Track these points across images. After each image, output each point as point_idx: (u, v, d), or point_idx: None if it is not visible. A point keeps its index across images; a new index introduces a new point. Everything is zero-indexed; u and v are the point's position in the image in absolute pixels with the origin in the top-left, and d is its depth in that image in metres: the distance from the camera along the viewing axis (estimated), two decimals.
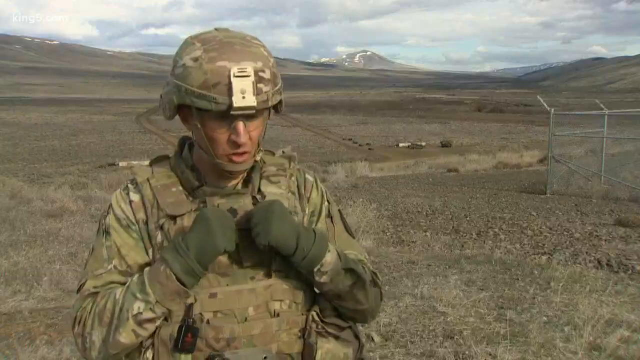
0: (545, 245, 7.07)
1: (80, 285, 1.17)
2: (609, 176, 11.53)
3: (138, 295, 1.08)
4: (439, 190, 12.51)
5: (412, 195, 11.72)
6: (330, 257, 1.15)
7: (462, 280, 5.07)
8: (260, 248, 1.10)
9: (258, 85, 1.05)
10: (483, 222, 8.63)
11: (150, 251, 1.17)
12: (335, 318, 1.21)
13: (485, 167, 18.65)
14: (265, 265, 1.17)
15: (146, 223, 1.17)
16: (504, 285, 4.91)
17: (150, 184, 1.19)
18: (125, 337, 1.08)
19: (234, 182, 1.21)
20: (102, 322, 1.10)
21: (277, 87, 1.10)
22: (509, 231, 7.96)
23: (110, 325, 1.09)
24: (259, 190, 1.21)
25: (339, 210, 1.34)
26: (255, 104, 1.05)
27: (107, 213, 1.20)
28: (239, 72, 1.03)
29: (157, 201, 1.16)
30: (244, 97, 1.04)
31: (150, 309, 1.08)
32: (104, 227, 1.19)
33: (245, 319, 1.14)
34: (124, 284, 1.14)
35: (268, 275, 1.17)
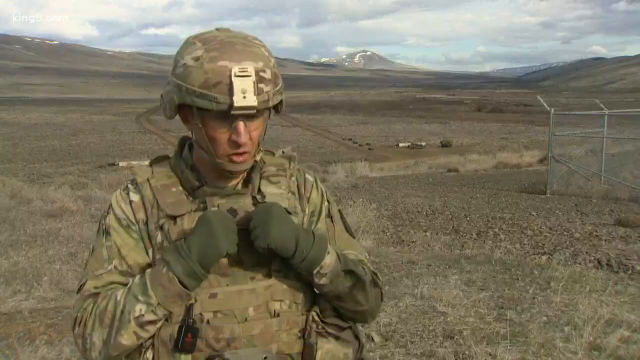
0: (545, 245, 7.07)
1: (81, 286, 1.17)
2: (609, 176, 11.53)
3: (140, 297, 1.08)
4: (439, 190, 12.51)
5: (412, 195, 11.72)
6: (329, 259, 1.15)
7: (462, 280, 5.07)
8: (260, 251, 1.10)
9: (259, 85, 1.05)
10: (483, 222, 8.63)
11: (150, 251, 1.17)
12: (335, 318, 1.21)
13: (485, 167, 18.65)
14: (266, 266, 1.17)
15: (146, 223, 1.17)
16: (504, 285, 4.91)
17: (150, 184, 1.18)
18: (127, 338, 1.08)
19: (234, 182, 1.20)
20: (103, 324, 1.10)
21: (277, 87, 1.10)
22: (509, 231, 7.96)
23: (111, 326, 1.09)
24: (259, 190, 1.21)
25: (339, 210, 1.34)
26: (256, 103, 1.05)
27: (107, 213, 1.20)
28: (240, 71, 1.03)
29: (157, 201, 1.16)
30: (244, 97, 1.04)
31: (152, 311, 1.08)
32: (104, 227, 1.19)
33: (246, 319, 1.14)
34: (124, 284, 1.14)
35: (268, 276, 1.17)
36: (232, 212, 1.15)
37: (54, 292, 4.91)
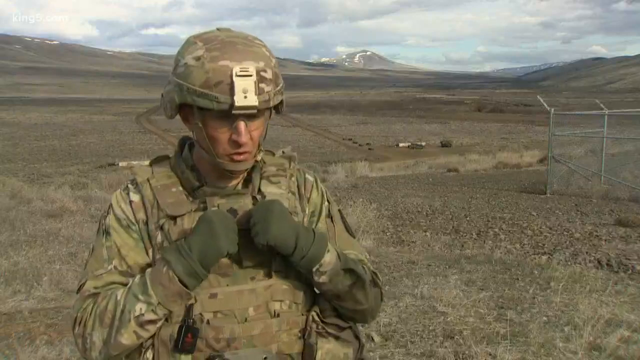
0: (545, 245, 7.07)
1: (81, 286, 1.17)
2: (609, 176, 11.53)
3: (140, 296, 1.08)
4: (439, 190, 12.51)
5: (412, 195, 11.72)
6: (329, 257, 1.15)
7: (462, 280, 5.07)
8: (259, 247, 1.10)
9: (260, 85, 1.05)
10: (483, 222, 8.63)
11: (150, 251, 1.17)
12: (335, 318, 1.21)
13: (485, 167, 18.65)
14: (266, 266, 1.17)
15: (146, 223, 1.17)
16: (504, 285, 4.91)
17: (150, 184, 1.18)
18: (127, 338, 1.08)
19: (234, 182, 1.20)
20: (103, 323, 1.10)
21: (278, 87, 1.10)
22: (509, 231, 7.96)
23: (111, 326, 1.09)
24: (259, 190, 1.21)
25: (339, 210, 1.34)
26: (257, 103, 1.05)
27: (107, 213, 1.20)
28: (241, 71, 1.03)
29: (157, 201, 1.16)
30: (245, 97, 1.04)
31: (152, 310, 1.08)
32: (104, 227, 1.19)
33: (246, 319, 1.14)
34: (124, 284, 1.14)
35: (268, 276, 1.17)
36: (232, 212, 1.15)
37: (54, 292, 4.91)
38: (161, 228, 1.15)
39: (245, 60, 1.05)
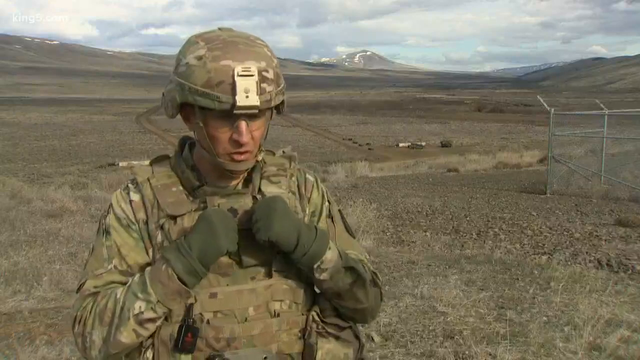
0: (545, 245, 7.07)
1: (80, 285, 1.17)
2: (609, 176, 11.53)
3: (139, 294, 1.08)
4: (439, 190, 12.51)
5: (412, 195, 11.72)
6: (330, 255, 1.15)
7: (462, 280, 5.07)
8: (261, 243, 1.10)
9: (261, 85, 1.05)
10: (483, 222, 8.63)
11: (150, 251, 1.17)
12: (335, 318, 1.21)
13: (485, 167, 18.65)
14: (266, 265, 1.17)
15: (146, 223, 1.17)
16: (504, 285, 4.91)
17: (150, 184, 1.18)
18: (126, 336, 1.08)
19: (234, 182, 1.20)
20: (102, 322, 1.10)
21: (280, 88, 1.10)
22: (509, 231, 7.96)
23: (111, 324, 1.09)
24: (260, 190, 1.21)
25: (339, 210, 1.34)
26: (258, 103, 1.05)
27: (108, 213, 1.20)
28: (243, 71, 1.03)
29: (158, 201, 1.16)
30: (247, 97, 1.04)
31: (152, 308, 1.08)
32: (104, 226, 1.19)
33: (246, 319, 1.14)
34: (124, 283, 1.14)
35: (268, 275, 1.17)
36: (233, 211, 1.15)
37: (54, 292, 4.91)
38: (161, 228, 1.15)
39: (247, 60, 1.05)
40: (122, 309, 1.08)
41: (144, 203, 1.18)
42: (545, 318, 4.01)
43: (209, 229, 1.07)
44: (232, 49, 1.05)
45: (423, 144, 42.25)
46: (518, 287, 4.87)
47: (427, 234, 8.04)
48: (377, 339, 3.67)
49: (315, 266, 1.14)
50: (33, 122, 58.24)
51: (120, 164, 29.03)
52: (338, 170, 18.02)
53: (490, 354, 3.36)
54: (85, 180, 17.33)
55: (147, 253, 1.17)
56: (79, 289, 1.17)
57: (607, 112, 12.41)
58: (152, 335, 1.12)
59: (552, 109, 11.36)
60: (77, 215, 8.78)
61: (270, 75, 1.07)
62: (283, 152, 1.32)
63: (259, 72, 1.05)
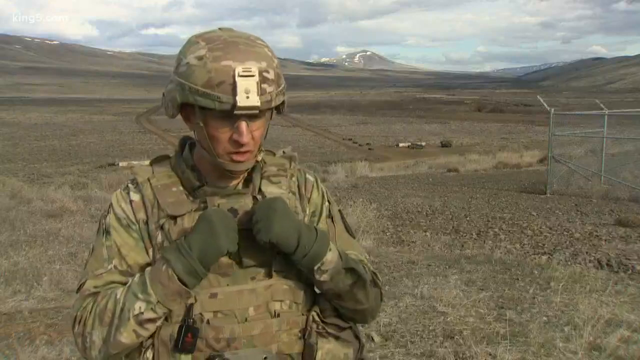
0: (545, 245, 7.07)
1: (80, 285, 1.17)
2: (609, 176, 11.53)
3: (139, 295, 1.08)
4: (439, 190, 12.51)
5: (412, 195, 11.72)
6: (331, 256, 1.15)
7: (462, 280, 5.07)
8: (261, 244, 1.10)
9: (262, 85, 1.05)
10: (483, 222, 8.63)
11: (150, 251, 1.16)
12: (335, 318, 1.21)
13: (485, 167, 18.65)
14: (266, 265, 1.16)
15: (146, 223, 1.17)
16: (504, 285, 4.91)
17: (150, 184, 1.18)
18: (126, 337, 1.08)
19: (234, 182, 1.20)
20: (102, 322, 1.10)
21: (280, 88, 1.10)
22: (509, 231, 7.96)
23: (111, 325, 1.09)
24: (260, 190, 1.21)
25: (339, 210, 1.34)
26: (259, 104, 1.05)
27: (108, 213, 1.20)
28: (243, 71, 1.03)
29: (158, 201, 1.16)
30: (247, 97, 1.04)
31: (152, 309, 1.08)
32: (104, 226, 1.19)
33: (246, 319, 1.14)
34: (124, 284, 1.14)
35: (269, 276, 1.17)
36: (233, 211, 1.15)
37: (54, 292, 4.91)
38: (161, 228, 1.15)
39: (248, 61, 1.05)
40: (122, 309, 1.08)
41: (144, 203, 1.17)
42: (545, 318, 4.01)
43: (209, 229, 1.07)
44: (233, 49, 1.05)
45: (423, 144, 42.25)
46: (518, 287, 4.87)
47: (427, 234, 8.04)
48: (377, 339, 3.67)
49: (315, 268, 1.14)
50: (33, 122, 58.24)
51: (120, 164, 29.03)
52: (338, 170, 18.02)
53: (490, 354, 3.36)
54: (85, 180, 17.33)
55: (147, 253, 1.17)
56: (79, 289, 1.17)
57: (607, 112, 12.41)
58: (152, 336, 1.12)
59: (552, 109, 11.36)
60: (77, 215, 8.78)
61: (270, 75, 1.07)
62: (283, 152, 1.31)
63: (260, 73, 1.05)
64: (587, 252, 6.50)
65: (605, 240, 7.14)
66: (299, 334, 1.18)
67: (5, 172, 21.83)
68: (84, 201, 10.23)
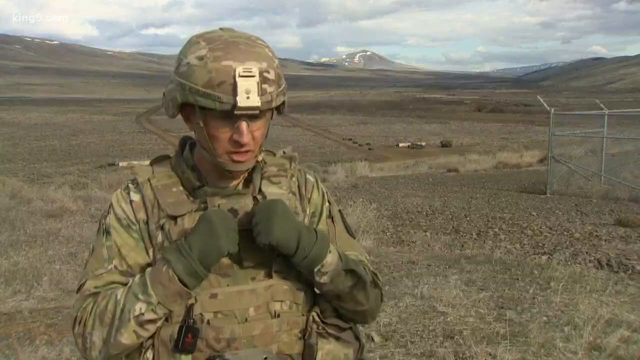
0: (545, 245, 7.07)
1: (81, 285, 1.17)
2: (609, 176, 11.53)
3: (140, 296, 1.08)
4: (439, 190, 12.51)
5: (412, 195, 11.72)
6: (331, 258, 1.15)
7: (462, 280, 5.07)
8: (261, 247, 1.10)
9: (263, 85, 1.05)
10: (483, 222, 8.63)
11: (150, 251, 1.16)
12: (335, 319, 1.21)
13: (485, 167, 18.66)
14: (266, 266, 1.16)
15: (147, 223, 1.17)
16: (504, 285, 4.91)
17: (151, 184, 1.18)
18: (127, 337, 1.08)
19: (235, 182, 1.20)
20: (103, 323, 1.10)
21: (281, 88, 1.10)
22: (509, 231, 7.96)
23: (111, 325, 1.09)
24: (260, 190, 1.21)
25: (339, 210, 1.34)
26: (259, 104, 1.05)
27: (108, 213, 1.20)
28: (244, 72, 1.03)
29: (158, 201, 1.16)
30: (248, 97, 1.04)
31: (152, 310, 1.08)
32: (104, 227, 1.19)
33: (246, 319, 1.14)
34: (124, 284, 1.14)
35: (269, 276, 1.17)
36: (233, 212, 1.14)
37: (54, 292, 4.91)
38: (162, 228, 1.15)
39: (248, 61, 1.05)
40: (122, 310, 1.08)
41: (144, 203, 1.17)
42: (545, 318, 4.01)
43: (209, 230, 1.07)
44: (234, 50, 1.05)
45: (423, 144, 42.25)
46: (518, 287, 4.87)
47: (427, 234, 8.04)
48: (377, 339, 3.67)
49: (315, 269, 1.14)
50: (33, 122, 58.24)
51: (120, 164, 29.03)
52: (338, 170, 18.02)
53: (490, 354, 3.36)
54: (85, 180, 17.33)
55: (148, 253, 1.17)
56: (79, 289, 1.17)
57: (607, 112, 12.41)
58: (152, 336, 1.12)
59: (552, 109, 11.36)
60: (77, 215, 8.78)
61: (271, 76, 1.07)
62: (283, 152, 1.31)
63: (260, 73, 1.05)
64: (587, 252, 6.51)
65: (605, 240, 7.14)
66: (299, 335, 1.18)
67: (5, 172, 21.84)
68: (84, 201, 10.23)
